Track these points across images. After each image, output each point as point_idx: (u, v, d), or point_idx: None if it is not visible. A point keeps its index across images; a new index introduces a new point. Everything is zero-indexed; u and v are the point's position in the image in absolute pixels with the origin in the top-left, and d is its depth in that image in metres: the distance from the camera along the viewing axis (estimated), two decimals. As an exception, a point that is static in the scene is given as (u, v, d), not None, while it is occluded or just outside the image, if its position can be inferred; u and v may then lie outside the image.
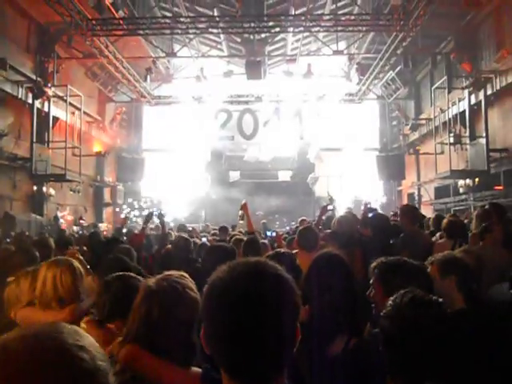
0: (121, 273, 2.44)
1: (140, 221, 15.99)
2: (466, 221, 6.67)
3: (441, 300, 1.62)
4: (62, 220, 14.32)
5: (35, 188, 13.37)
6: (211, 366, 1.59)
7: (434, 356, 1.48)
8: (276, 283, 1.03)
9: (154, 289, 1.82)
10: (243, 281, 1.01)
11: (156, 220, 7.35)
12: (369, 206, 5.67)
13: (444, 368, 1.48)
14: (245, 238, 4.77)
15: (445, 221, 4.99)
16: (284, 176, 20.99)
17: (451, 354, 1.51)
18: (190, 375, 1.72)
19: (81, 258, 3.74)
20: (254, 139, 19.24)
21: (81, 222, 15.62)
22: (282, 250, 3.41)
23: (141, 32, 13.23)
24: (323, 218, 6.07)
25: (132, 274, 2.42)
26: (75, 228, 14.54)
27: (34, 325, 0.76)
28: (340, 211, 8.54)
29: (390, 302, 1.62)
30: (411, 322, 1.51)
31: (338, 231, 4.46)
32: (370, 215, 5.06)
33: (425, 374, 1.48)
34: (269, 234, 7.85)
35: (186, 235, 5.35)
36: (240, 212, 5.86)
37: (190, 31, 13.36)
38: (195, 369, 1.77)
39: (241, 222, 7.94)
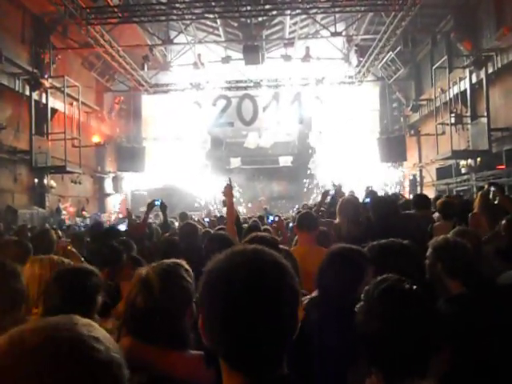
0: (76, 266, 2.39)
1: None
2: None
3: (415, 287, 1.52)
4: (64, 212, 14.34)
5: (36, 180, 13.38)
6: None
7: (407, 352, 1.40)
8: (275, 271, 1.02)
9: (142, 277, 1.81)
10: (242, 269, 1.00)
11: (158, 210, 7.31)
12: (370, 189, 5.65)
13: (423, 364, 1.41)
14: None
15: (439, 202, 4.96)
16: (285, 161, 20.95)
17: (425, 347, 1.43)
18: (191, 358, 1.71)
19: (73, 250, 3.74)
20: (253, 125, 19.15)
21: (83, 213, 15.66)
22: (261, 234, 3.33)
23: (136, 19, 13.09)
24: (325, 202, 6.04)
25: (88, 268, 2.33)
26: (78, 219, 14.57)
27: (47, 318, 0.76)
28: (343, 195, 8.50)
29: (362, 295, 1.54)
30: (378, 316, 1.44)
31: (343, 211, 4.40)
32: (368, 199, 5.04)
33: (400, 369, 1.41)
34: (271, 218, 7.80)
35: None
36: (223, 198, 5.57)
37: (186, 17, 13.21)
38: (194, 351, 1.76)
39: (224, 208, 7.72)
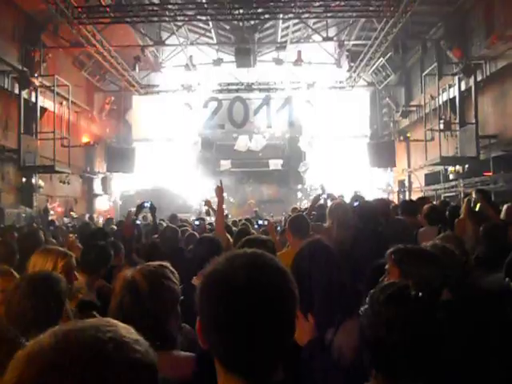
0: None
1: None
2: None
3: (420, 295, 1.55)
4: (52, 212, 14.22)
5: (24, 180, 13.24)
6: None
7: (410, 356, 1.44)
8: (277, 275, 1.04)
9: (127, 279, 1.82)
10: (243, 272, 1.01)
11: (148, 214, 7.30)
12: (357, 193, 5.67)
13: (422, 369, 1.45)
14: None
15: (425, 207, 5.00)
16: (275, 164, 20.98)
17: (428, 353, 1.46)
18: (177, 358, 1.73)
19: (78, 244, 3.72)
20: (244, 128, 19.16)
21: (71, 213, 15.54)
22: (254, 237, 3.36)
23: (128, 19, 13.03)
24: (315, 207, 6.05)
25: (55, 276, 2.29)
26: (66, 219, 14.45)
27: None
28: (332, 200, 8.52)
29: (367, 299, 1.58)
30: (384, 321, 1.47)
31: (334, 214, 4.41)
32: (355, 204, 5.06)
33: (401, 375, 1.45)
34: (260, 222, 7.81)
35: (176, 225, 5.33)
36: (204, 208, 5.81)
37: (178, 18, 13.20)
38: (183, 353, 1.77)
39: (207, 217, 7.84)
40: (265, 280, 1.01)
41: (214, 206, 5.20)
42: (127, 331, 0.75)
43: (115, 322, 0.77)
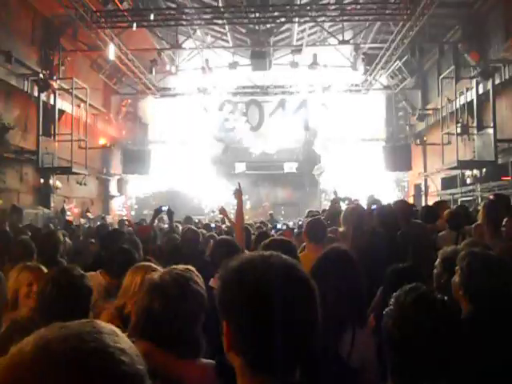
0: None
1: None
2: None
3: (445, 299, 1.60)
4: (68, 212, 14.39)
5: (42, 181, 13.43)
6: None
7: (434, 358, 1.46)
8: (305, 276, 1.10)
9: (157, 282, 1.81)
10: (279, 272, 1.03)
11: (164, 216, 7.32)
12: (373, 197, 5.65)
13: (444, 370, 1.47)
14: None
15: (446, 212, 4.94)
16: (289, 167, 20.95)
17: (452, 356, 1.48)
18: (203, 367, 1.71)
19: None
20: (259, 130, 19.19)
21: (87, 214, 15.70)
22: (279, 238, 3.36)
23: (145, 24, 13.16)
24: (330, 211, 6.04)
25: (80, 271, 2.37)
26: (82, 220, 14.61)
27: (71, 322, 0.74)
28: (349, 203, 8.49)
29: (393, 300, 1.60)
30: (412, 322, 1.49)
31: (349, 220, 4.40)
32: (373, 207, 5.04)
33: (424, 376, 1.46)
34: (279, 226, 7.74)
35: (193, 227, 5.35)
36: (219, 216, 5.76)
37: (195, 22, 13.28)
38: (205, 360, 1.75)
39: (223, 225, 7.74)
40: (299, 279, 1.06)
41: (231, 212, 5.16)
42: (113, 339, 0.71)
43: (100, 327, 0.73)
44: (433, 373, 1.45)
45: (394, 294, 1.63)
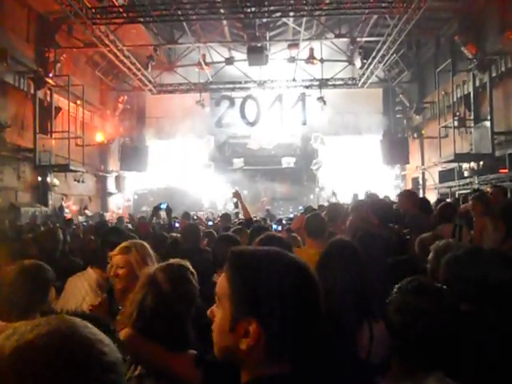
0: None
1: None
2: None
3: (445, 288, 1.64)
4: (66, 210, 14.39)
5: (39, 179, 13.42)
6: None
7: (435, 344, 1.49)
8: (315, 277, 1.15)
9: (151, 277, 1.84)
10: (303, 268, 1.10)
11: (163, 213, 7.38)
12: (369, 192, 5.67)
13: (446, 356, 1.49)
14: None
15: (440, 205, 4.98)
16: (287, 162, 20.96)
17: (453, 343, 1.51)
18: (184, 358, 1.75)
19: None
20: (256, 125, 19.15)
21: (85, 211, 15.70)
22: (273, 234, 3.38)
23: (141, 19, 13.10)
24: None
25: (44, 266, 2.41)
26: (80, 218, 14.61)
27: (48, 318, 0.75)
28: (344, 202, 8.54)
29: (395, 289, 1.64)
30: (413, 309, 1.53)
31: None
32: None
33: (426, 361, 1.48)
34: (275, 227, 7.71)
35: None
36: (234, 200, 5.92)
37: (191, 17, 13.22)
38: (188, 352, 1.79)
39: (235, 210, 8.01)
40: (314, 275, 1.13)
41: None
42: (92, 332, 0.74)
43: (77, 321, 0.75)
44: (431, 360, 1.48)
45: (394, 284, 1.67)
